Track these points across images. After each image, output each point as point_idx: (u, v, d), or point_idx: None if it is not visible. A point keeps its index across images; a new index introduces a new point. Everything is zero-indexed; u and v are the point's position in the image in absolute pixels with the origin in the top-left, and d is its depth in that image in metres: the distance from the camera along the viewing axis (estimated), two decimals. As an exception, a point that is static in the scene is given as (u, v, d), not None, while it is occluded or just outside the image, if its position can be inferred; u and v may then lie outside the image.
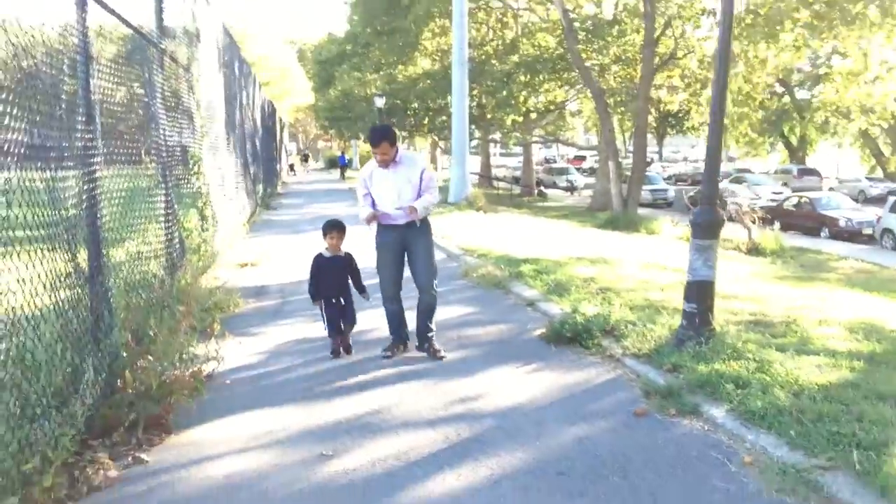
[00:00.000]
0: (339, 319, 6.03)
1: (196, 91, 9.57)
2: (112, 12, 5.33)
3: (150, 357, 4.85)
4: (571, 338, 6.15)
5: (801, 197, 27.92)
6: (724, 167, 55.54)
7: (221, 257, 9.88)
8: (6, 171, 3.38)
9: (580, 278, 8.51)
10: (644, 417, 4.53)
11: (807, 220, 26.20)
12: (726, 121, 20.61)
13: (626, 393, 4.98)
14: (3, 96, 3.42)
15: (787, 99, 43.29)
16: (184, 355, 4.94)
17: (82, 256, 4.42)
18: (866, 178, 41.41)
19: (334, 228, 6.05)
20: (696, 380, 4.87)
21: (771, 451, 3.87)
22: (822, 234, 25.15)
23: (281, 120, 43.53)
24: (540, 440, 4.21)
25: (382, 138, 5.67)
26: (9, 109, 3.46)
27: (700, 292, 5.69)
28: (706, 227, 5.70)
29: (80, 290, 4.30)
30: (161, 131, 7.34)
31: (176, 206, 7.86)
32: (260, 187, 20.47)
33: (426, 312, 5.99)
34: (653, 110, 29.61)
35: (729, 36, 5.79)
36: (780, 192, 32.27)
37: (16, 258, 3.39)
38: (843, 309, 7.75)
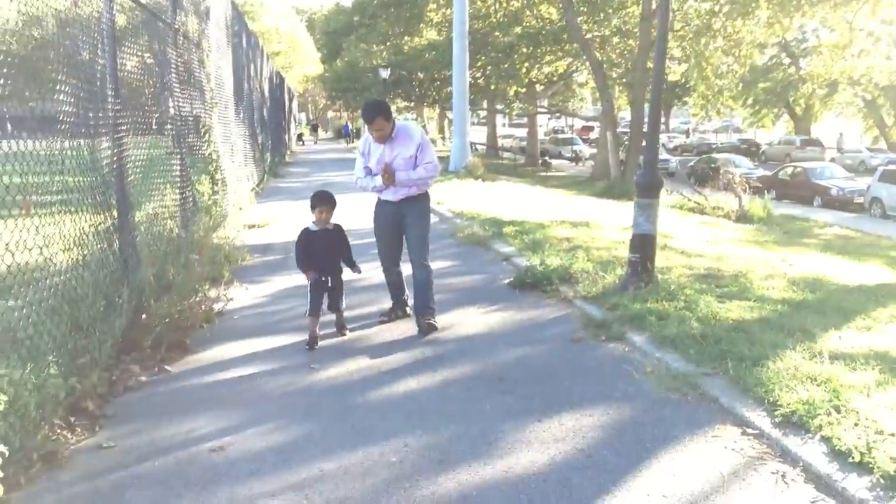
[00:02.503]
0: (322, 301, 5.66)
1: (206, 65, 10.42)
2: (136, 1, 6.19)
3: (169, 294, 5.81)
4: (533, 284, 7.05)
5: (795, 167, 28.61)
6: (728, 138, 55.88)
7: (231, 218, 10.80)
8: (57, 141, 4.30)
9: (557, 238, 9.35)
10: (578, 343, 5.45)
11: (801, 190, 26.97)
12: (708, 92, 21.36)
13: (569, 325, 5.89)
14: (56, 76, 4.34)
15: (792, 69, 43.47)
16: (198, 293, 5.88)
17: (115, 211, 5.36)
18: (867, 149, 41.85)
19: (324, 203, 5.61)
20: (629, 315, 5.76)
21: (671, 364, 4.78)
22: (816, 202, 25.89)
23: (290, 90, 44.15)
24: (488, 358, 5.14)
25: (377, 114, 5.44)
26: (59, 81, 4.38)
27: (642, 244, 6.57)
28: (647, 188, 6.56)
29: (112, 237, 5.24)
30: (175, 103, 8.23)
31: (189, 171, 8.77)
32: (268, 156, 21.31)
33: (421, 288, 5.87)
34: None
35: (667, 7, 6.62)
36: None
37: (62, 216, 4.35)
38: (798, 267, 8.51)
